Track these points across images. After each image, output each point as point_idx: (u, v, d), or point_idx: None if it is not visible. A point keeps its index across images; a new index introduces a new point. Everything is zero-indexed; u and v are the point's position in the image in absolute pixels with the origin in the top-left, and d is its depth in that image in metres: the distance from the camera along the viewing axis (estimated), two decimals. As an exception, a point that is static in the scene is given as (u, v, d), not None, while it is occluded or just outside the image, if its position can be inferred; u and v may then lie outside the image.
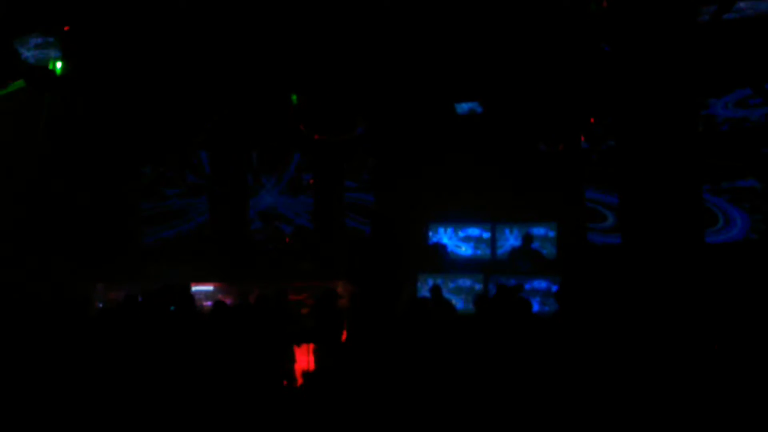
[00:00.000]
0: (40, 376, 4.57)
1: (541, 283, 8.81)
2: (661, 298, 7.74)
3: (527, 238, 9.50)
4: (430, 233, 10.32)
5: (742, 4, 8.14)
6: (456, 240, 10.19)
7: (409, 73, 9.46)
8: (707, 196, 9.22)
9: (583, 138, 10.14)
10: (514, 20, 8.39)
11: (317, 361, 7.20)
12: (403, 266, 9.77)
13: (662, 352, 5.47)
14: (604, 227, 10.14)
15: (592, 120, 10.16)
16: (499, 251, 9.95)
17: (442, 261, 9.74)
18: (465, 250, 10.14)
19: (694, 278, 8.30)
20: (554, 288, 8.84)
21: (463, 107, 10.26)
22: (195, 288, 9.04)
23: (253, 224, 11.77)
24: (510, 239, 9.84)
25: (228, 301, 7.83)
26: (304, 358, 7.65)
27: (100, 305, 9.11)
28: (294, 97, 10.07)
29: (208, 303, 8.22)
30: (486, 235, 10.07)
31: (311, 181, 11.86)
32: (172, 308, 6.69)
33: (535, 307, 7.90)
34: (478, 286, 9.09)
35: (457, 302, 8.75)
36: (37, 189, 9.91)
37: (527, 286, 8.74)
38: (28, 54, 7.47)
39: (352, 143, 11.26)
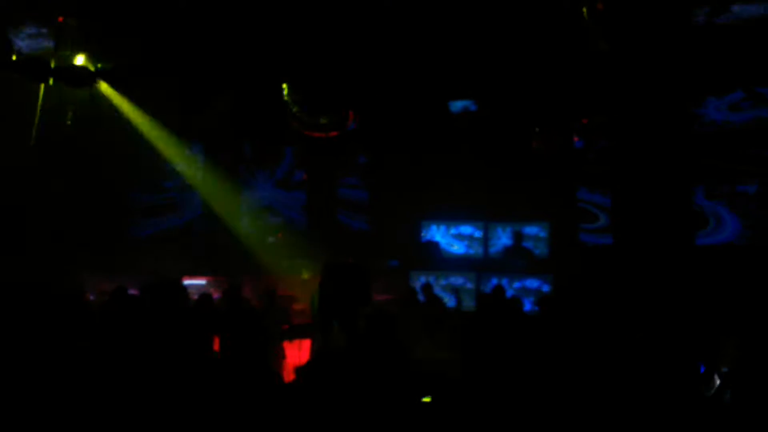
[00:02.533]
0: (40, 369, 4.51)
1: (532, 282, 8.86)
2: (651, 298, 7.80)
3: (518, 237, 9.57)
4: (423, 231, 10.34)
5: (735, 8, 8.18)
6: (449, 238, 10.22)
7: (401, 69, 9.45)
8: (698, 198, 9.28)
9: (576, 138, 10.18)
10: (509, 19, 8.41)
11: (311, 355, 7.22)
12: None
13: (652, 352, 5.52)
14: (596, 227, 10.19)
15: (585, 120, 10.20)
16: (492, 250, 9.99)
17: (434, 258, 9.77)
18: (457, 248, 10.17)
19: (684, 279, 8.37)
20: (545, 288, 8.91)
21: (456, 105, 10.27)
22: (187, 282, 9.03)
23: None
24: (502, 238, 9.89)
25: (216, 295, 7.83)
26: (296, 354, 7.67)
27: (92, 297, 9.07)
28: (285, 93, 10.05)
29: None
30: (478, 233, 10.11)
31: (305, 177, 11.85)
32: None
33: (527, 306, 7.96)
34: (470, 285, 9.14)
35: (449, 300, 8.80)
36: (32, 182, 9.87)
37: (518, 285, 8.81)
38: (22, 44, 7.43)
39: (345, 139, 11.24)
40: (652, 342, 5.73)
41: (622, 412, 4.58)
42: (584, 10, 7.13)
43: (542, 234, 9.86)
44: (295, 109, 9.26)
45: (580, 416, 4.42)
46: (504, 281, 8.74)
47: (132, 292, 7.27)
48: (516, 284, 8.99)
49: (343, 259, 9.43)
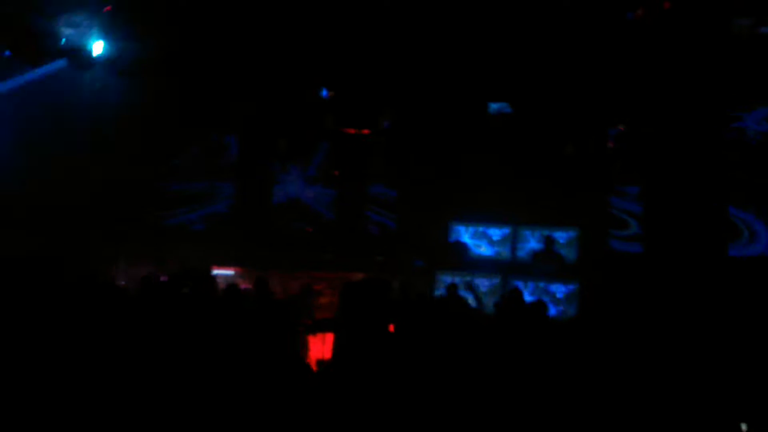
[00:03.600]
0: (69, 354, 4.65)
1: (559, 288, 8.81)
2: (681, 308, 7.70)
3: (549, 241, 9.49)
4: (451, 231, 10.34)
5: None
6: (476, 239, 10.20)
7: (437, 70, 9.47)
8: (732, 209, 9.12)
9: (610, 144, 10.08)
10: (548, 23, 8.37)
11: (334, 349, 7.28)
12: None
13: (680, 362, 5.45)
14: (627, 235, 10.07)
15: (621, 127, 10.10)
16: (519, 253, 9.94)
17: (461, 259, 9.76)
18: (484, 250, 10.15)
19: (716, 291, 8.24)
20: (564, 291, 8.86)
21: (492, 107, 10.24)
22: (215, 271, 9.18)
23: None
24: (530, 241, 9.83)
25: (244, 286, 7.94)
26: (320, 347, 7.76)
27: (122, 283, 9.29)
28: (322, 90, 10.15)
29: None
30: (507, 236, 10.07)
31: (336, 173, 11.93)
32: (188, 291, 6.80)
33: (552, 311, 7.91)
34: (484, 288, 9.12)
35: (474, 301, 8.78)
36: (68, 169, 10.11)
37: (550, 290, 8.77)
38: (69, 33, 7.64)
39: (378, 137, 11.30)
40: (680, 353, 5.67)
41: (643, 421, 4.55)
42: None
43: (571, 239, 9.78)
44: (330, 105, 9.36)
45: (596, 422, 4.40)
46: (530, 285, 8.71)
47: (162, 279, 7.46)
48: (541, 287, 8.95)
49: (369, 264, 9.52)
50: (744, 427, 4.01)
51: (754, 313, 7.59)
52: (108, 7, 8.00)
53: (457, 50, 8.80)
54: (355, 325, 5.16)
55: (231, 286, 6.99)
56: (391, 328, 5.85)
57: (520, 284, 8.69)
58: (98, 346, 4.89)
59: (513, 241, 9.99)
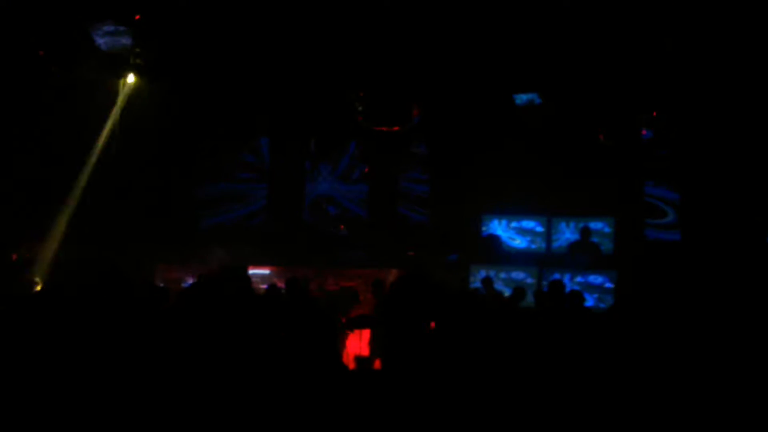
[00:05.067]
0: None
1: (596, 278, 8.72)
2: (720, 297, 7.57)
3: (585, 232, 9.39)
4: (484, 224, 10.29)
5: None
6: (510, 232, 10.14)
7: (465, 63, 9.42)
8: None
9: (644, 132, 9.92)
10: (577, 11, 8.27)
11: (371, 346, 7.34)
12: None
13: (720, 352, 5.38)
14: (664, 223, 9.92)
15: (654, 113, 9.93)
16: (554, 245, 9.86)
17: (495, 253, 9.72)
18: (519, 242, 10.09)
19: (756, 279, 8.08)
20: (608, 284, 8.76)
21: (521, 98, 10.15)
22: (251, 271, 9.28)
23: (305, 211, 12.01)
24: (566, 233, 9.74)
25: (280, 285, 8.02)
26: (356, 344, 7.81)
27: (161, 284, 9.44)
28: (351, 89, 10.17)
29: (264, 286, 8.43)
30: (541, 228, 10.00)
31: (366, 170, 11.96)
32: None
33: (590, 302, 7.84)
34: (531, 280, 9.06)
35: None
36: (104, 173, 10.30)
37: (580, 279, 8.69)
38: (101, 41, 7.80)
39: (408, 133, 11.29)
40: (720, 343, 5.58)
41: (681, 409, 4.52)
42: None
43: (607, 229, 9.66)
44: (359, 107, 9.38)
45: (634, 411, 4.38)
46: (566, 277, 8.63)
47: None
48: (578, 279, 8.87)
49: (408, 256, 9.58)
50: None
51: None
52: (138, 16, 8.14)
53: (486, 42, 8.74)
54: (399, 322, 5.20)
55: (272, 286, 7.08)
56: (432, 324, 5.89)
57: (556, 276, 8.64)
58: (150, 345, 5.00)
59: (548, 232, 9.92)
